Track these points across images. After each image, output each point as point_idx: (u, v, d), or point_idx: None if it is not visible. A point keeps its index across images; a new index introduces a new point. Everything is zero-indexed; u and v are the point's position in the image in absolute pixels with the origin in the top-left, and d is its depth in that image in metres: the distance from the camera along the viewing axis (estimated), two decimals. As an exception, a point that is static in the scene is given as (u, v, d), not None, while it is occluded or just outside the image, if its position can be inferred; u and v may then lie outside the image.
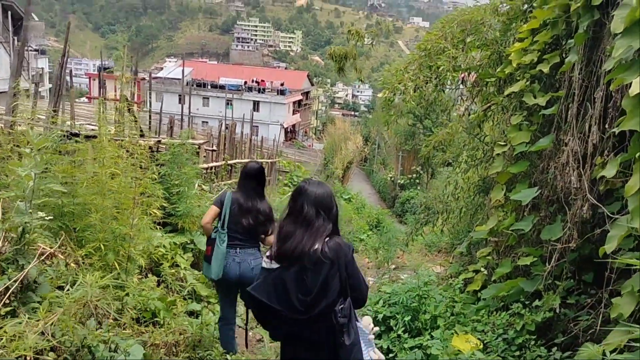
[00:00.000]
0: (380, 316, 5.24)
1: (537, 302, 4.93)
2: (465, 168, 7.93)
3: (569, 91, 5.21)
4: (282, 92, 62.74)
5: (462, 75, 7.21)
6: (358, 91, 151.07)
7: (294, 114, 65.90)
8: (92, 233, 4.53)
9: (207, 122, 47.60)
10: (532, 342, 4.64)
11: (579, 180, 4.84)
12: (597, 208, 4.72)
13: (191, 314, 5.92)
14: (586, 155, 4.86)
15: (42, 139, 3.58)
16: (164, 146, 8.40)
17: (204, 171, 10.70)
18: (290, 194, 3.35)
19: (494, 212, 6.24)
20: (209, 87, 62.63)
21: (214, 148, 12.87)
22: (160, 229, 6.68)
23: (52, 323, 2.88)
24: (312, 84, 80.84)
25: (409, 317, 5.02)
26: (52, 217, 3.81)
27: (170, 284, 6.04)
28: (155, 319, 5.03)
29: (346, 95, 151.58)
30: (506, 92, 5.93)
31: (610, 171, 3.84)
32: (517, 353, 4.61)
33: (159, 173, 7.19)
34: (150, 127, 9.52)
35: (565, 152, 5.04)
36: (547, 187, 5.48)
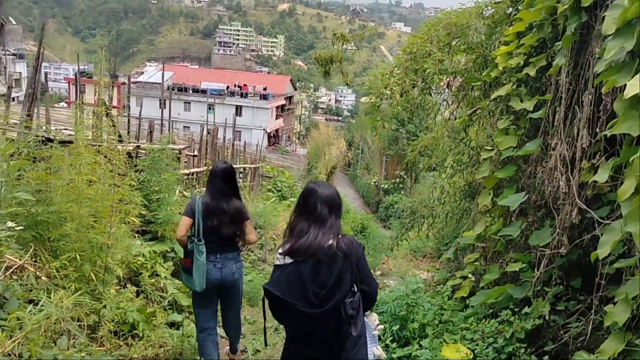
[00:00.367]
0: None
1: (526, 309, 4.83)
2: (451, 173, 7.84)
3: (556, 95, 5.14)
4: (264, 97, 62.50)
5: (448, 79, 7.13)
6: (341, 96, 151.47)
7: (277, 118, 65.70)
8: (67, 243, 4.35)
9: (188, 127, 47.24)
10: (522, 350, 4.54)
11: (568, 185, 4.76)
12: (586, 213, 4.65)
13: (172, 325, 5.75)
14: (574, 159, 4.78)
15: (9, 145, 3.40)
16: (143, 151, 8.21)
17: (185, 177, 10.51)
18: (301, 194, 3.46)
19: (481, 217, 6.15)
20: (191, 91, 62.17)
21: (196, 153, 12.67)
22: (139, 237, 6.49)
23: (19, 343, 2.69)
24: (295, 89, 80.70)
25: (397, 326, 4.90)
26: (23, 227, 3.63)
27: (150, 294, 5.85)
28: (134, 331, 4.86)
29: (329, 100, 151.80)
30: (492, 96, 5.85)
31: (602, 176, 3.76)
32: (508, 361, 4.51)
33: (138, 179, 7.01)
34: (129, 132, 9.30)
35: (553, 157, 4.96)
36: (535, 192, 5.39)
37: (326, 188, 3.45)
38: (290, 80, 78.99)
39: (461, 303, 5.96)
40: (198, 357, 4.87)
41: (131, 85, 55.47)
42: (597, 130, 4.39)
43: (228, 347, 5.59)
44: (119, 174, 5.32)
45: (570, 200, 4.74)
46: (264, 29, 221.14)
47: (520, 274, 5.16)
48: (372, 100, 6.72)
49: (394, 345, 4.85)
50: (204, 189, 9.69)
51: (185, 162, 11.40)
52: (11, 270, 3.46)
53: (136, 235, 6.34)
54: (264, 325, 3.72)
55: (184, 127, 47.69)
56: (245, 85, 65.11)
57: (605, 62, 3.61)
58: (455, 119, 7.42)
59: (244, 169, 18.55)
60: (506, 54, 5.87)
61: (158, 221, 6.95)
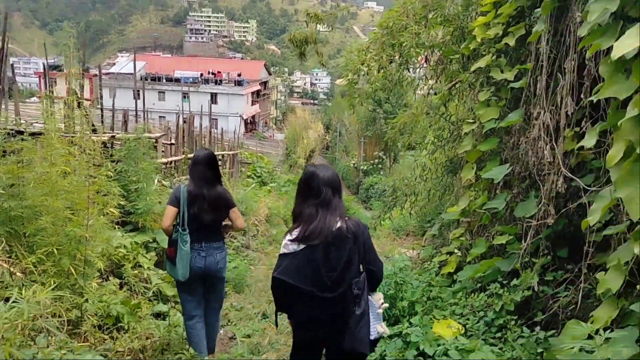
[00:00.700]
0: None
1: (514, 281, 4.81)
2: (432, 149, 7.78)
3: (537, 63, 5.08)
4: (239, 83, 61.91)
5: (426, 54, 7.03)
6: (316, 79, 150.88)
7: (252, 104, 65.20)
8: (43, 237, 4.19)
9: (164, 117, 46.55)
10: (513, 322, 4.51)
11: (552, 154, 4.72)
12: (571, 182, 4.62)
13: (158, 315, 5.63)
14: (558, 128, 4.74)
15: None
16: (118, 142, 8.01)
17: (164, 166, 10.32)
18: (301, 179, 3.46)
19: (464, 192, 6.11)
20: (164, 80, 61.32)
21: (173, 142, 12.45)
22: (119, 228, 6.35)
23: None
24: (270, 74, 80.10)
25: (387, 305, 4.83)
26: (-5, 223, 3.48)
27: (134, 285, 5.72)
28: (119, 324, 4.73)
29: (305, 84, 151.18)
30: (472, 68, 5.78)
31: (589, 141, 3.71)
32: (499, 335, 4.47)
33: (115, 170, 6.84)
34: (103, 123, 9.08)
35: (536, 126, 4.91)
36: (519, 164, 5.36)
37: (326, 170, 3.45)
38: (265, 65, 78.25)
39: (448, 279, 5.93)
40: (186, 347, 4.77)
41: (103, 76, 54.69)
42: (582, 96, 4.33)
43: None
44: (94, 164, 5.15)
45: (555, 169, 4.71)
46: (235, 14, 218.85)
47: (507, 247, 5.13)
48: (348, 78, 6.60)
49: (384, 324, 4.79)
50: (184, 177, 9.45)
51: (162, 151, 11.20)
52: (-17, 267, 3.32)
53: (116, 226, 6.19)
54: (275, 312, 3.66)
55: (160, 117, 46.99)
56: (219, 72, 64.40)
57: (588, 25, 3.54)
58: (434, 94, 7.34)
59: (223, 156, 18.35)
60: (484, 24, 5.80)
61: (138, 211, 6.80)
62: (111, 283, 5.24)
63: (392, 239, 13.76)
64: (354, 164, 43.57)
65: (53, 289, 4.08)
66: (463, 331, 4.28)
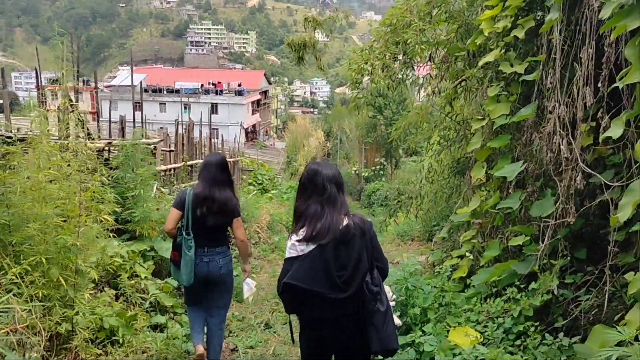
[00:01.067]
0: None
1: (533, 285, 4.53)
2: (439, 149, 7.53)
3: (549, 55, 4.83)
4: (240, 93, 61.81)
5: (430, 52, 6.78)
6: (316, 88, 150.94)
7: (253, 114, 65.08)
8: (31, 246, 3.93)
9: (165, 129, 46.37)
10: (533, 329, 4.23)
11: (569, 149, 4.46)
12: (588, 178, 4.37)
13: (155, 328, 5.36)
14: (575, 121, 4.48)
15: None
16: (115, 149, 7.77)
17: (162, 173, 10.07)
18: (303, 177, 3.38)
19: (475, 192, 5.84)
20: (165, 92, 61.24)
21: (172, 148, 12.21)
22: (115, 237, 6.08)
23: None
24: (270, 83, 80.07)
25: (399, 313, 4.56)
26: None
27: (130, 296, 5.44)
28: (114, 337, 4.46)
29: (304, 93, 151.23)
30: (480, 63, 5.53)
31: (615, 131, 3.44)
32: (518, 342, 4.19)
33: (111, 177, 6.60)
34: (100, 131, 8.86)
35: (551, 121, 4.66)
36: (533, 161, 5.10)
37: (329, 168, 3.38)
38: (265, 74, 78.24)
39: (460, 283, 5.66)
40: (185, 360, 4.52)
41: (105, 89, 54.56)
42: (600, 86, 4.07)
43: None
44: (88, 169, 4.90)
45: (572, 165, 4.45)
46: (235, 26, 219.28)
47: (523, 248, 4.86)
48: (352, 77, 6.34)
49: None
50: (184, 185, 9.21)
51: (161, 159, 10.96)
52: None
53: (112, 235, 5.91)
54: (290, 327, 3.51)
55: (160, 128, 46.89)
56: (219, 82, 64.35)
57: (611, 7, 3.29)
58: (439, 94, 7.09)
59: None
60: (490, 18, 5.56)
61: (135, 219, 6.54)
62: (106, 294, 4.97)
63: (396, 245, 13.48)
64: (355, 171, 43.31)
65: (41, 301, 3.84)
66: (481, 339, 4.00)
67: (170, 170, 11.09)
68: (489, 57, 5.39)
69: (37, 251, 3.90)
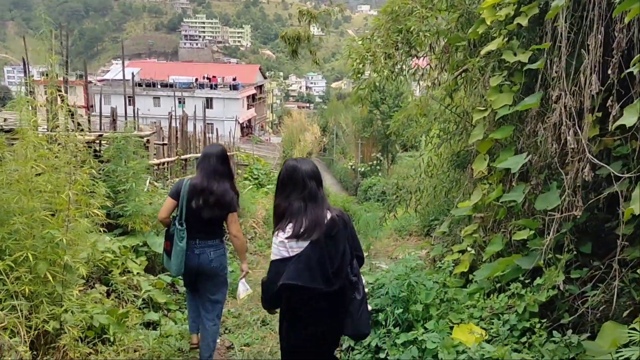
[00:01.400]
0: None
1: (538, 280, 4.38)
2: (438, 143, 7.37)
3: (554, 43, 4.67)
4: (234, 87, 61.45)
5: (431, 42, 6.61)
6: (312, 83, 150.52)
7: (248, 108, 64.78)
8: (16, 241, 3.76)
9: (159, 122, 46.03)
10: (538, 325, 4.08)
11: (576, 139, 4.31)
12: (596, 170, 4.22)
13: (148, 325, 5.20)
14: (582, 110, 4.33)
15: None
16: (106, 142, 7.58)
17: (156, 167, 9.88)
18: (281, 174, 3.39)
19: (476, 185, 5.68)
20: (159, 86, 60.84)
21: (165, 142, 12.01)
22: (106, 232, 5.91)
23: None
24: (265, 77, 79.66)
25: (401, 310, 4.40)
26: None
27: (122, 293, 5.28)
28: (105, 335, 4.30)
29: (300, 88, 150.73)
30: (483, 52, 5.36)
31: (629, 119, 3.29)
32: (523, 339, 4.04)
33: (102, 170, 6.43)
34: (90, 124, 8.66)
35: (556, 111, 4.50)
36: (537, 152, 4.95)
37: (307, 163, 3.42)
38: (260, 69, 77.85)
39: (461, 279, 5.52)
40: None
41: (97, 83, 54.16)
42: (610, 72, 3.92)
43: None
44: (77, 162, 4.72)
45: (580, 156, 4.30)
46: (230, 19, 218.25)
47: (528, 243, 4.70)
48: (353, 66, 6.16)
49: (397, 330, 4.36)
50: (177, 179, 9.06)
51: (154, 154, 10.77)
52: None
53: (104, 230, 5.75)
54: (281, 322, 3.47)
55: (154, 122, 46.59)
56: (214, 76, 63.95)
57: (625, -12, 3.14)
58: (439, 85, 6.93)
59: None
60: (492, 6, 5.40)
61: (127, 214, 6.37)
62: (96, 291, 4.81)
63: (394, 239, 13.34)
64: (351, 166, 43.17)
65: (27, 298, 3.68)
66: (486, 337, 3.85)
67: (163, 164, 10.90)
68: (492, 46, 5.24)
69: (23, 246, 3.74)
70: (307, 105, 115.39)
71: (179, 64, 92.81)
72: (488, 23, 5.41)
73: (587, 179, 4.16)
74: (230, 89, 61.23)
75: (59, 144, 4.67)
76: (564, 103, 4.40)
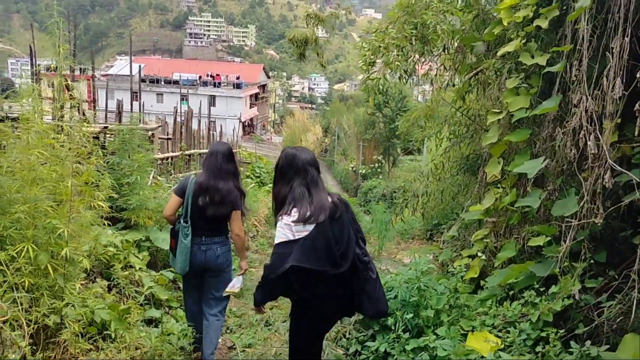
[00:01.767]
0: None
1: (553, 288, 4.25)
2: (448, 145, 7.26)
3: (575, 45, 4.55)
4: (238, 86, 61.33)
5: (444, 42, 6.50)
6: (314, 84, 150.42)
7: (251, 107, 64.66)
8: (17, 231, 3.63)
9: (164, 116, 45.84)
10: (553, 335, 3.95)
11: (597, 145, 4.18)
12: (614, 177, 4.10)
13: (150, 322, 5.08)
14: (603, 115, 4.21)
15: None
16: (111, 134, 7.46)
17: (160, 162, 9.76)
18: (281, 162, 3.44)
19: (490, 189, 5.55)
20: (163, 82, 60.71)
21: (169, 136, 11.89)
22: (109, 225, 5.78)
23: None
24: (269, 77, 79.56)
25: (411, 315, 4.27)
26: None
27: (124, 288, 5.16)
28: (106, 332, 4.17)
29: (303, 89, 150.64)
30: (500, 53, 5.26)
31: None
32: (538, 349, 3.91)
33: (106, 162, 6.31)
34: (96, 116, 8.54)
35: (577, 115, 4.38)
36: (554, 157, 4.82)
37: (306, 152, 3.49)
38: (263, 68, 77.74)
39: (471, 284, 5.39)
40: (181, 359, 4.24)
41: (101, 78, 54.03)
42: (638, 75, 3.80)
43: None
44: (82, 153, 4.60)
45: (600, 162, 4.18)
46: (235, 19, 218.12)
47: (543, 250, 4.57)
48: (365, 58, 6.03)
49: (406, 335, 4.23)
50: (181, 175, 8.93)
51: (159, 148, 10.65)
52: None
53: (107, 223, 5.62)
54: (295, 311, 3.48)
55: (158, 117, 46.46)
56: (217, 75, 63.84)
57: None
58: (453, 86, 6.82)
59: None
60: (510, 8, 5.29)
61: (130, 207, 6.24)
62: (98, 285, 4.69)
63: (396, 242, 13.23)
64: (352, 168, 43.02)
65: (28, 291, 3.55)
66: (502, 346, 3.72)
67: (167, 159, 10.77)
68: (509, 47, 5.13)
69: (24, 236, 3.61)
70: (310, 106, 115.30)
71: (183, 61, 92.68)
72: (505, 24, 5.30)
73: (608, 185, 4.04)
74: (234, 88, 61.11)
75: (65, 134, 4.55)
76: (585, 107, 4.28)
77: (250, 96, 64.54)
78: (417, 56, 6.18)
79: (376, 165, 37.62)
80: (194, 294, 4.82)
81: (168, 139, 11.72)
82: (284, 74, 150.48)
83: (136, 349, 4.15)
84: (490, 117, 5.37)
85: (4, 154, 3.87)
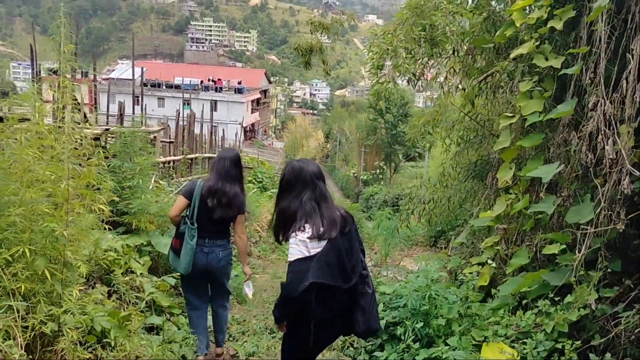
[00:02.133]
0: (382, 323, 4.34)
1: (568, 298, 4.11)
2: (456, 151, 7.12)
3: (591, 47, 4.42)
4: (239, 91, 61.26)
5: (454, 45, 6.36)
6: (316, 90, 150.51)
7: (252, 112, 64.57)
8: (13, 234, 3.48)
9: (166, 119, 45.63)
10: (569, 347, 3.80)
11: (615, 149, 4.04)
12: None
13: (150, 329, 4.93)
14: (621, 119, 4.07)
15: None
16: (113, 137, 7.32)
17: (162, 165, 9.62)
18: (287, 175, 3.34)
19: (500, 195, 5.41)
20: (164, 87, 60.63)
21: (172, 140, 11.75)
22: (110, 229, 5.64)
23: None
24: (270, 82, 79.53)
25: (421, 324, 4.12)
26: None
27: (124, 294, 5.01)
28: (105, 339, 4.02)
29: (304, 94, 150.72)
30: (512, 55, 5.12)
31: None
32: (554, 360, 3.77)
33: (107, 165, 6.17)
34: (97, 121, 8.41)
35: (594, 119, 4.25)
36: (568, 163, 4.68)
37: (312, 164, 3.42)
38: (265, 73, 77.70)
39: (480, 293, 5.24)
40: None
41: (102, 82, 54.00)
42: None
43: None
44: (83, 154, 4.46)
45: (619, 167, 4.04)
46: (237, 24, 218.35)
47: (557, 258, 4.42)
48: (373, 60, 5.93)
49: (416, 345, 4.08)
50: (183, 179, 8.80)
51: (161, 151, 10.52)
52: None
53: (108, 227, 5.47)
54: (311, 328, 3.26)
55: (160, 120, 46.32)
56: (219, 79, 63.76)
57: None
58: (464, 90, 6.68)
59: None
60: (522, 9, 5.17)
61: (132, 211, 6.10)
62: (98, 291, 4.53)
63: (400, 249, 13.07)
64: (353, 174, 42.90)
65: (24, 297, 3.41)
66: (518, 358, 3.57)
67: (169, 162, 10.64)
68: (522, 50, 5.00)
69: (20, 240, 3.46)
70: (311, 111, 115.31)
71: (184, 66, 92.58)
72: (517, 25, 5.18)
73: (627, 191, 3.91)
74: (235, 93, 61.03)
75: (65, 135, 4.41)
76: (603, 111, 4.15)
77: (252, 101, 64.47)
78: (425, 59, 6.04)
79: (377, 171, 37.52)
80: (196, 293, 4.94)
81: (170, 142, 11.58)
82: (286, 79, 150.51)
83: (137, 357, 4.01)
84: (502, 121, 5.24)
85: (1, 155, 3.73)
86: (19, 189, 3.55)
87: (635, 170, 3.86)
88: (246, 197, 5.05)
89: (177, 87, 59.68)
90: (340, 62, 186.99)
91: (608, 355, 3.63)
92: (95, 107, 17.00)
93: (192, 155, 12.36)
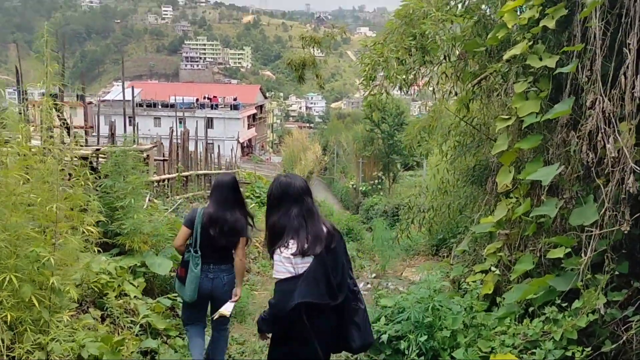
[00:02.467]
0: (384, 337, 4.20)
1: (576, 303, 3.96)
2: (453, 156, 7.00)
3: (586, 44, 4.32)
4: (235, 107, 61.27)
5: (445, 50, 6.27)
6: (311, 103, 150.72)
7: (249, 128, 64.59)
8: (-2, 260, 3.35)
9: (159, 137, 45.57)
10: (579, 354, 3.66)
11: (617, 148, 3.92)
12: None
13: (146, 354, 4.77)
14: (623, 117, 3.96)
15: None
16: (104, 157, 7.20)
17: (156, 184, 9.48)
18: (275, 190, 3.32)
19: (501, 200, 5.28)
20: (160, 106, 60.61)
21: (165, 157, 11.64)
22: (101, 251, 5.50)
23: None
24: (266, 97, 79.64)
25: (425, 337, 3.98)
26: None
27: (118, 318, 4.86)
28: (97, 366, 3.87)
29: (300, 108, 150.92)
30: (506, 56, 5.01)
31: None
32: (563, 369, 3.62)
33: (99, 186, 6.06)
34: (87, 142, 8.30)
35: (592, 117, 4.13)
36: (568, 163, 4.56)
37: (298, 179, 3.40)
38: (260, 89, 77.84)
39: (485, 301, 5.09)
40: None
41: (97, 104, 54.03)
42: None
43: None
44: (70, 175, 4.35)
45: (620, 166, 3.92)
46: (230, 41, 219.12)
47: (563, 262, 4.28)
48: (365, 72, 5.85)
49: (421, 359, 3.94)
50: (178, 197, 8.68)
51: (155, 170, 10.41)
52: None
53: (99, 249, 5.33)
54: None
55: (152, 139, 46.28)
56: (214, 96, 63.81)
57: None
58: (456, 95, 6.58)
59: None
60: (513, 10, 5.08)
61: (124, 232, 5.96)
62: (90, 315, 4.39)
63: (401, 259, 12.91)
64: (352, 185, 42.78)
65: (10, 326, 3.27)
66: (528, 367, 3.42)
67: (163, 180, 10.51)
68: (515, 50, 4.89)
69: (5, 266, 3.33)
70: (308, 125, 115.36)
71: (179, 85, 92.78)
72: (509, 27, 5.08)
73: (632, 190, 3.79)
74: (231, 109, 61.03)
75: (51, 157, 4.29)
76: (602, 108, 4.03)
77: (248, 117, 64.51)
78: (417, 67, 5.95)
79: (376, 181, 37.43)
80: (196, 315, 4.91)
81: (164, 160, 11.47)
82: (281, 94, 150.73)
83: (131, 383, 3.86)
84: (498, 124, 5.13)
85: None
86: (3, 212, 3.42)
87: (638, 168, 3.73)
88: (254, 217, 5.03)
89: (173, 106, 59.67)
90: (334, 75, 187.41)
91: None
92: (92, 128, 16.94)
93: (187, 173, 12.24)
